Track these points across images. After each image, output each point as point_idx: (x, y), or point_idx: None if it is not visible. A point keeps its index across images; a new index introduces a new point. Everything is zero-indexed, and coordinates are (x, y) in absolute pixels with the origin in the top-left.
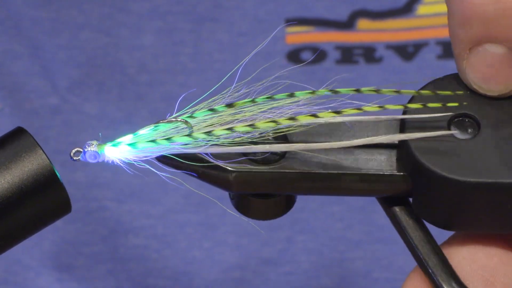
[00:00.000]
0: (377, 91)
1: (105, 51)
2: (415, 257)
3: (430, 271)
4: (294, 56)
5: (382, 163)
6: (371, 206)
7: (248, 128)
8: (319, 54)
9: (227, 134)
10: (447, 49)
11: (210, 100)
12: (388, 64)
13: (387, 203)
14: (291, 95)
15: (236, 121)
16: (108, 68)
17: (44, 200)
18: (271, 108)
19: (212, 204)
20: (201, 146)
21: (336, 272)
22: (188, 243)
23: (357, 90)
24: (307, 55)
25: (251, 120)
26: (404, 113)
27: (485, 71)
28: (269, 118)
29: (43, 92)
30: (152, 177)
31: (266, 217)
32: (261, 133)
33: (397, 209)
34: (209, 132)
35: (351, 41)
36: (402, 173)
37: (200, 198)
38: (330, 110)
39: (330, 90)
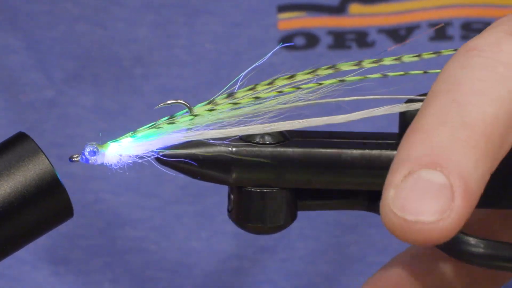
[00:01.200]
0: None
1: (101, 44)
2: None
3: None
4: (286, 42)
5: (382, 147)
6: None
7: (251, 98)
8: (312, 40)
9: (230, 107)
10: (439, 31)
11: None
12: (380, 48)
13: None
14: (292, 77)
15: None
16: (103, 60)
17: (47, 205)
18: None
19: (209, 194)
20: (202, 130)
21: (332, 257)
22: (185, 234)
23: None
24: (299, 41)
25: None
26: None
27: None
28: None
29: (39, 85)
30: (148, 169)
31: (267, 222)
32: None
33: None
34: (212, 108)
35: (343, 26)
36: None
37: (197, 189)
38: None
39: (330, 67)
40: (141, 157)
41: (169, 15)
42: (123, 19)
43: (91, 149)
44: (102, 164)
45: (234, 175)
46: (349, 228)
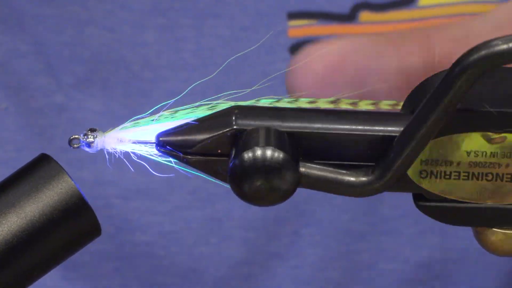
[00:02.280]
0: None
1: (109, 48)
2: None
3: None
4: (296, 49)
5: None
6: (376, 197)
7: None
8: None
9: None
10: None
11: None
12: None
13: None
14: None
15: None
16: (112, 64)
17: (76, 227)
18: None
19: (219, 199)
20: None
21: (343, 265)
22: (195, 239)
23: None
24: None
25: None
26: None
27: None
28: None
29: (48, 90)
30: (158, 174)
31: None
32: None
33: None
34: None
35: (353, 34)
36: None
37: (207, 193)
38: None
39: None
40: (141, 144)
41: (177, 19)
42: (131, 22)
43: (91, 134)
44: (102, 149)
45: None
46: (360, 236)
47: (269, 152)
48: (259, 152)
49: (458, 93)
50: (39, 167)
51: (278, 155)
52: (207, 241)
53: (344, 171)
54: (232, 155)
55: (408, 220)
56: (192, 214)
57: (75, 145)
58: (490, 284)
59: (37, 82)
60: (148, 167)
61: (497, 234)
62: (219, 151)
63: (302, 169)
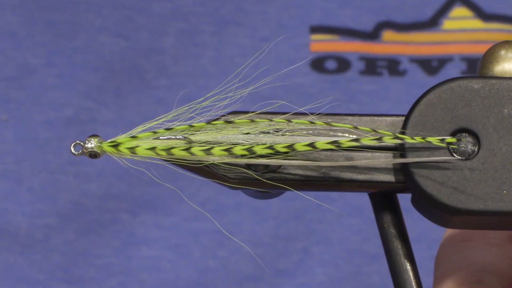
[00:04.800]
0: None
1: (123, 55)
2: (390, 268)
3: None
4: (318, 64)
5: (381, 171)
6: None
7: (246, 152)
8: (343, 64)
9: (225, 155)
10: (472, 65)
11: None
12: (411, 78)
13: (379, 203)
14: (289, 121)
15: (235, 137)
16: (126, 72)
17: None
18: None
19: (228, 211)
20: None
21: (352, 286)
22: (202, 253)
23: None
24: (331, 64)
25: (249, 144)
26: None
27: None
28: (267, 144)
29: (59, 103)
30: (166, 187)
31: None
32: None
33: (386, 216)
34: (208, 150)
35: (375, 52)
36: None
37: (215, 206)
38: (327, 141)
39: (326, 123)
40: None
41: (197, 24)
42: (148, 28)
43: (92, 143)
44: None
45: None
46: (371, 258)
47: None
48: None
49: None
50: None
51: None
52: (215, 254)
53: None
54: None
55: (420, 244)
56: (200, 227)
57: (77, 153)
58: None
59: (48, 97)
60: (155, 178)
61: None
62: None
63: None
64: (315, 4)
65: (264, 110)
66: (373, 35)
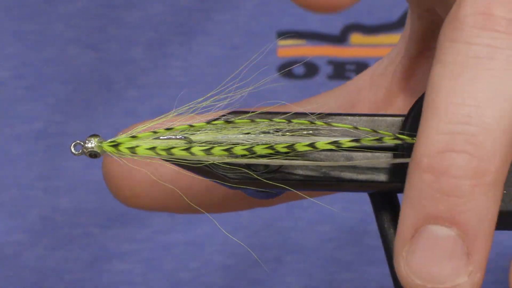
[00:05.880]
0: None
1: (93, 67)
2: (390, 269)
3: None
4: (285, 69)
5: (381, 171)
6: (362, 226)
7: (246, 152)
8: (311, 69)
9: (226, 155)
10: None
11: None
12: None
13: (379, 203)
14: (290, 121)
15: (235, 137)
16: (95, 83)
17: None
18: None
19: (200, 222)
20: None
21: None
22: (174, 265)
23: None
24: (299, 69)
25: (250, 144)
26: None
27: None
28: (267, 144)
29: (27, 117)
30: None
31: None
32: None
33: (386, 216)
34: (208, 150)
35: (343, 56)
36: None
37: (188, 217)
38: (327, 141)
39: (327, 123)
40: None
41: (166, 34)
42: (119, 38)
43: (92, 143)
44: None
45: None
46: (345, 265)
47: None
48: None
49: None
50: None
51: None
52: (187, 266)
53: None
54: None
55: None
56: (173, 238)
57: (77, 152)
58: None
59: (17, 110)
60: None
61: None
62: None
63: None
64: (284, 10)
65: (265, 110)
66: (340, 39)
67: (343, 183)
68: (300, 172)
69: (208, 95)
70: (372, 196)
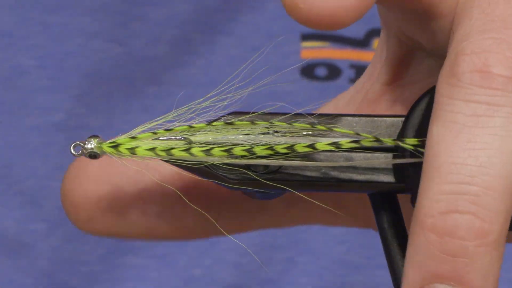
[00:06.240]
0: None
1: (116, 61)
2: (390, 270)
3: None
4: (308, 71)
5: (381, 171)
6: (373, 230)
7: (245, 153)
8: (334, 71)
9: (225, 156)
10: None
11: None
12: None
13: (379, 203)
14: (290, 124)
15: (235, 138)
16: (117, 78)
17: None
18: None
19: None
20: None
21: None
22: (187, 261)
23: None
24: (321, 71)
25: (249, 145)
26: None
27: None
28: (267, 144)
29: (48, 108)
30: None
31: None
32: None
33: (386, 217)
34: (208, 151)
35: (366, 60)
36: (401, 185)
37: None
38: (327, 142)
39: (328, 128)
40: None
41: (190, 32)
42: (142, 35)
43: (92, 144)
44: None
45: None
46: (355, 268)
47: None
48: None
49: None
50: None
51: None
52: (200, 263)
53: None
54: None
55: None
56: None
57: (76, 153)
58: None
59: (38, 100)
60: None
61: None
62: None
63: None
64: None
65: (264, 111)
66: (364, 43)
67: (342, 184)
68: (300, 172)
69: (209, 94)
70: (372, 197)
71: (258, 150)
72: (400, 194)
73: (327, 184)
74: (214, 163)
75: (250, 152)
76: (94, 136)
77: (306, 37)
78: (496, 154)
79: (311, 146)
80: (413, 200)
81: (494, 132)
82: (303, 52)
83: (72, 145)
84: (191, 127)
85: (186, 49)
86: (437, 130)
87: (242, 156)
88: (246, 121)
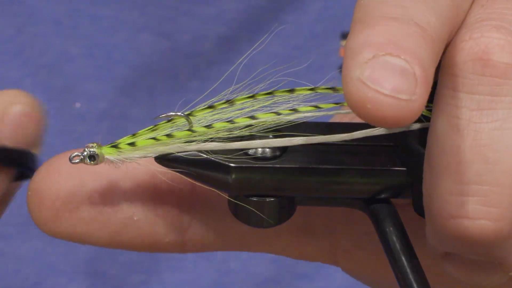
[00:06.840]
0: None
1: (161, 55)
2: (390, 261)
3: (402, 277)
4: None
5: (382, 160)
6: None
7: (248, 120)
8: None
9: (227, 126)
10: None
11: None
12: None
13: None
14: (291, 91)
15: (237, 116)
16: (161, 71)
17: None
18: (271, 104)
19: None
20: (200, 142)
21: None
22: (225, 255)
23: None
24: None
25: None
26: None
27: None
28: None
29: (93, 95)
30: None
31: (264, 223)
32: (261, 130)
33: (388, 228)
34: (209, 125)
35: None
36: (402, 168)
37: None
38: (331, 102)
39: (330, 88)
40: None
41: (236, 30)
42: (189, 31)
43: (92, 151)
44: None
45: (233, 187)
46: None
47: None
48: None
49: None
50: None
51: None
52: (237, 256)
53: None
54: None
55: None
56: None
57: (75, 161)
58: None
59: (83, 88)
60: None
61: None
62: None
63: None
64: (347, 14)
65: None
66: None
67: (342, 172)
68: (299, 158)
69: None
70: (369, 206)
71: (261, 115)
72: (396, 200)
73: (325, 172)
74: (215, 136)
75: (253, 119)
76: (94, 142)
77: (346, 36)
78: (502, 149)
79: (315, 105)
80: (415, 205)
81: (499, 126)
82: (342, 50)
83: (72, 155)
84: (190, 114)
85: (231, 47)
86: (442, 126)
87: (241, 134)
88: (246, 96)
